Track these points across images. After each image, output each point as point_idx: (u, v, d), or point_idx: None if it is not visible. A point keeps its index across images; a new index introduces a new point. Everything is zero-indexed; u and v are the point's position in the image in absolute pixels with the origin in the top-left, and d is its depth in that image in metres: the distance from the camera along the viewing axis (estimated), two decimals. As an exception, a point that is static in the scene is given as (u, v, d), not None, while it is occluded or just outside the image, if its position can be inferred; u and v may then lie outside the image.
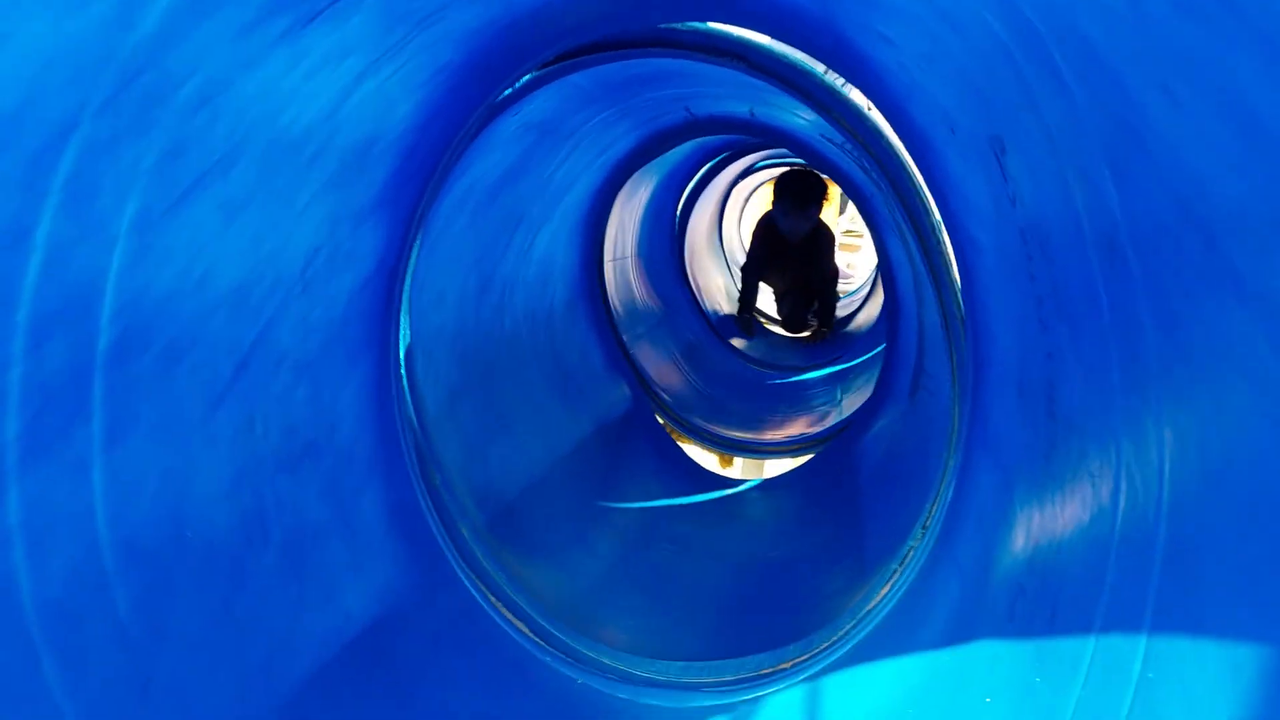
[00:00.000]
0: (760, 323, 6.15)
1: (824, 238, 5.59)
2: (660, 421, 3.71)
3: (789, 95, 1.95)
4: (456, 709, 1.57)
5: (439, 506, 1.84)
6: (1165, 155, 0.67)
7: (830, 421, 3.79)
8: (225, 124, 1.10)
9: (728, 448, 3.82)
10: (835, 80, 1.73)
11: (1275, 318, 0.58)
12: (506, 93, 1.77)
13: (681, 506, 2.95)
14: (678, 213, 5.48)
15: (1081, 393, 1.05)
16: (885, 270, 3.51)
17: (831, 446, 3.46)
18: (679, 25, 1.80)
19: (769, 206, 5.48)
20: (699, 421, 3.83)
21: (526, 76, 1.76)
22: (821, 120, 1.99)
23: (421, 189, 1.72)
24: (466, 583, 1.80)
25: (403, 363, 1.83)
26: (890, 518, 2.22)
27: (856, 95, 1.72)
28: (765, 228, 5.57)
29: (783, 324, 6.10)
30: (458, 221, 2.19)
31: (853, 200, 3.59)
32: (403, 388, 1.83)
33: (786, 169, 5.59)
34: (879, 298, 5.72)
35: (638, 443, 3.33)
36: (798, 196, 5.17)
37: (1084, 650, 0.97)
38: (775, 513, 2.96)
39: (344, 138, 1.40)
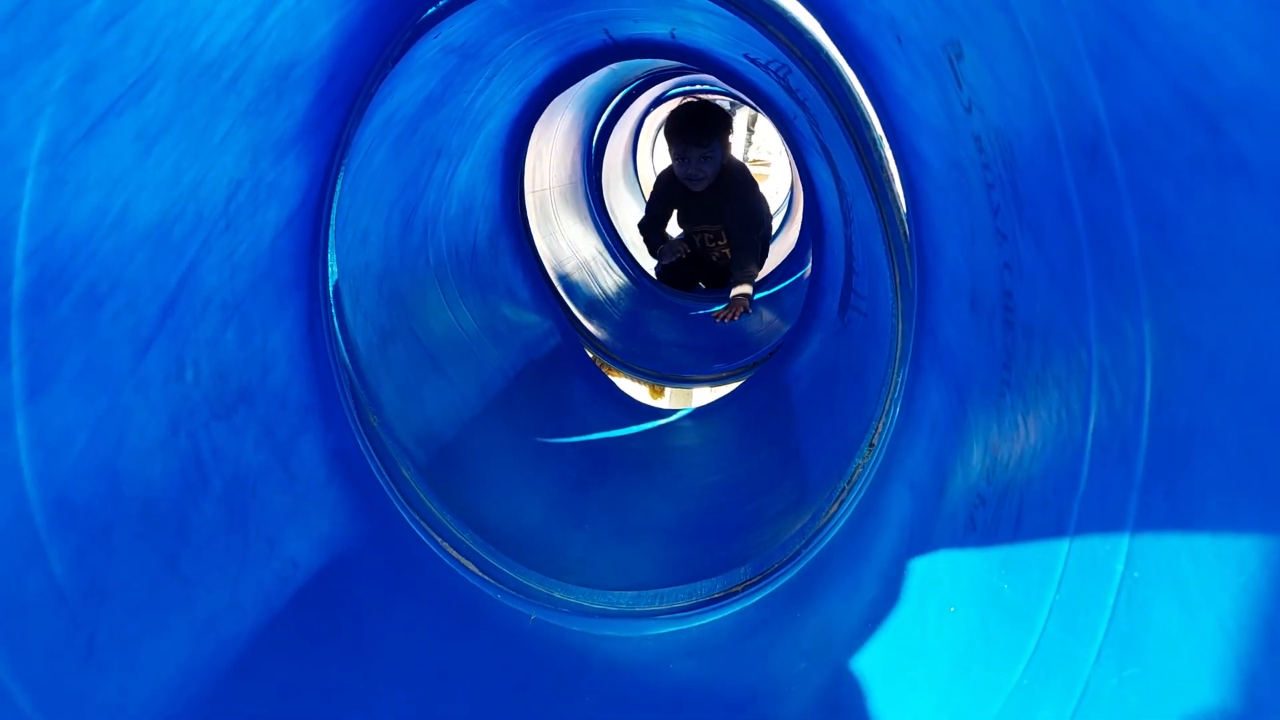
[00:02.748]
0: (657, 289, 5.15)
1: (736, 179, 4.66)
2: (589, 355, 3.68)
3: (717, 6, 1.89)
4: (410, 653, 1.53)
5: (378, 449, 1.79)
6: (1163, 43, 0.65)
7: (758, 347, 3.80)
8: (138, 43, 1.01)
9: (657, 378, 3.80)
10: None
11: (1289, 203, 0.57)
12: (429, 12, 1.68)
13: (618, 438, 2.93)
14: (594, 142, 5.40)
15: (1045, 300, 1.04)
16: (809, 194, 3.50)
17: (761, 371, 3.47)
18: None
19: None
20: (627, 353, 3.81)
21: (450, -6, 1.68)
22: (753, 33, 1.94)
23: (344, 117, 1.63)
24: (412, 524, 1.76)
25: (332, 303, 1.75)
26: (831, 438, 2.23)
27: (793, 6, 1.67)
28: (667, 180, 4.73)
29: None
30: (379, 154, 2.10)
31: (774, 123, 3.55)
32: (334, 329, 1.76)
33: (677, 104, 4.59)
34: (796, 222, 5.74)
35: (569, 377, 3.29)
36: (695, 134, 4.34)
37: (1057, 554, 0.98)
38: (712, 439, 2.96)
39: (262, 60, 1.31)
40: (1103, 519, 0.87)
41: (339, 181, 1.72)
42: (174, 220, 1.20)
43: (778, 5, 1.69)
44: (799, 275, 4.69)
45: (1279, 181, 0.57)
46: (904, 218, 1.65)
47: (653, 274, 5.13)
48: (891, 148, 1.63)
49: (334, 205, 1.73)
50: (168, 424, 1.21)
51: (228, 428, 1.36)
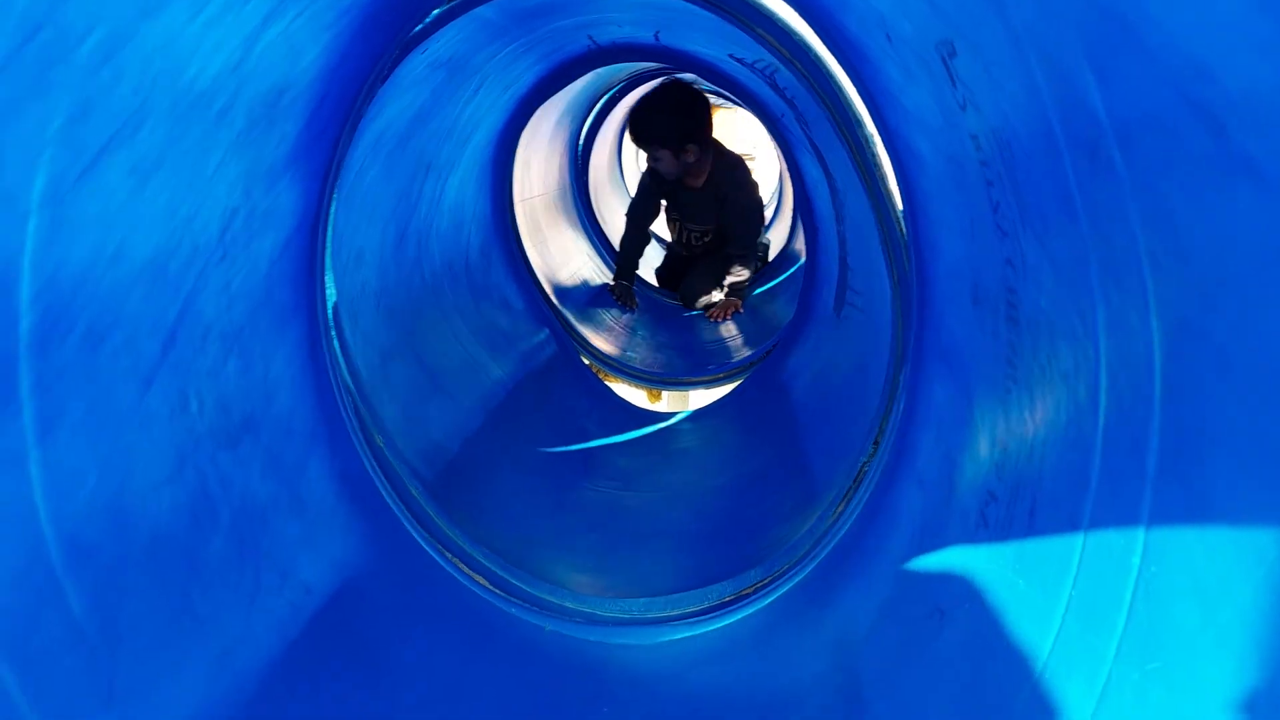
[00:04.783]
0: (647, 290, 4.91)
1: (731, 177, 4.15)
2: (585, 362, 3.67)
3: (703, 9, 1.89)
4: (427, 673, 1.53)
5: (385, 470, 1.79)
6: (1163, 45, 0.65)
7: (754, 346, 3.80)
8: (130, 81, 1.00)
9: (655, 381, 3.80)
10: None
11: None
12: (416, 30, 1.67)
13: (619, 444, 2.93)
14: (580, 147, 5.40)
15: (1051, 296, 1.04)
16: (799, 190, 3.50)
17: (758, 371, 3.47)
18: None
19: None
20: (622, 358, 3.80)
21: (436, 10, 1.67)
22: (739, 34, 1.94)
23: (335, 139, 1.63)
24: (423, 543, 1.76)
25: (332, 325, 1.75)
26: (834, 436, 2.23)
27: (781, 8, 1.67)
28: (652, 172, 4.26)
29: (680, 297, 4.69)
30: (371, 171, 2.09)
31: (761, 121, 3.55)
32: (335, 351, 1.75)
33: (641, 94, 4.00)
34: (786, 215, 5.74)
35: (568, 385, 3.29)
36: (660, 134, 3.90)
37: (1072, 549, 0.98)
38: (713, 441, 2.97)
39: (252, 89, 1.30)
40: (1117, 514, 0.87)
41: (333, 203, 1.71)
42: (170, 254, 1.20)
43: (765, 7, 1.69)
44: (794, 268, 4.70)
45: (1287, 178, 0.57)
46: (899, 215, 1.65)
47: (644, 275, 5.12)
48: (885, 145, 1.63)
49: (329, 227, 1.72)
50: (174, 458, 1.21)
51: (233, 458, 1.36)
